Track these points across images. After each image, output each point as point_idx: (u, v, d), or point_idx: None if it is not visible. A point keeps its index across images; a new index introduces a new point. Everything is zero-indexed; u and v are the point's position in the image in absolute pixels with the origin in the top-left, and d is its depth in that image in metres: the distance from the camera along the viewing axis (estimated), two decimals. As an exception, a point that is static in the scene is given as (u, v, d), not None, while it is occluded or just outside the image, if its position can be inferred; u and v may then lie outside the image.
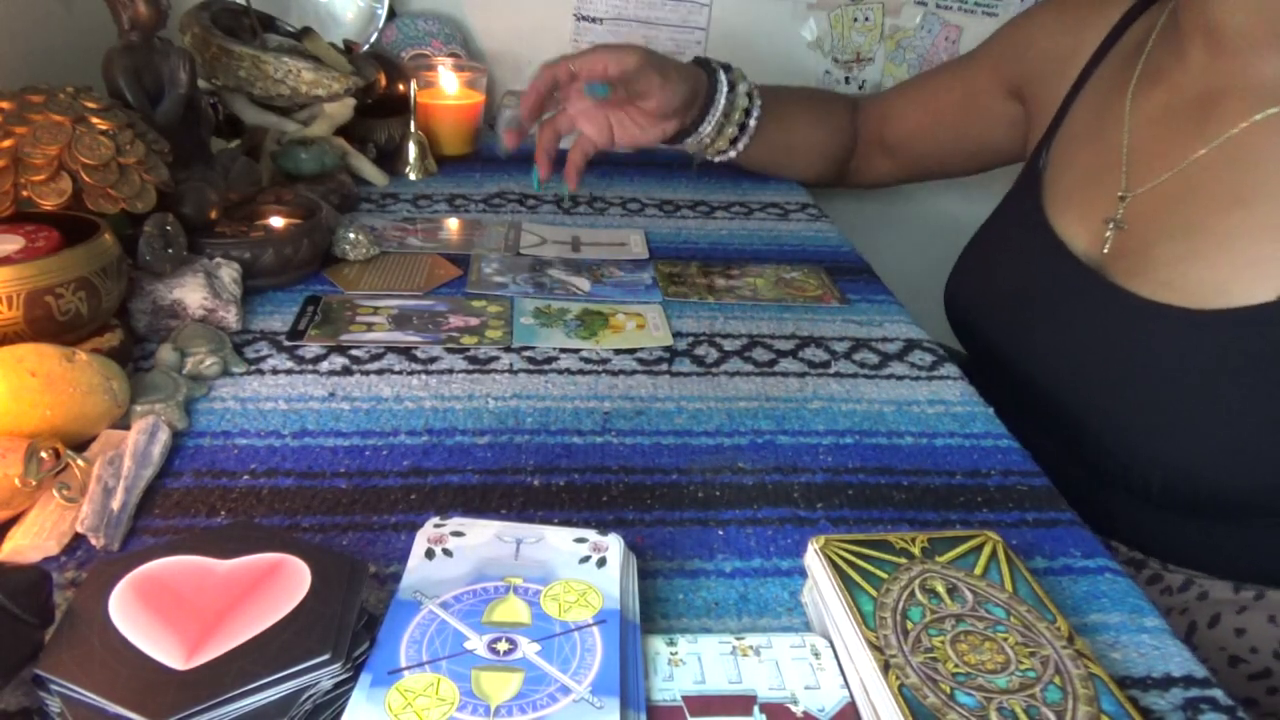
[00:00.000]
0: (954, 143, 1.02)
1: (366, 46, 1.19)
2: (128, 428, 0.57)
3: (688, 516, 0.55)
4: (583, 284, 0.83)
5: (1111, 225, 0.75)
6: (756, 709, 0.41)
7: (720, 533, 0.54)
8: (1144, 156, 0.75)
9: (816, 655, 0.44)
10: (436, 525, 0.48)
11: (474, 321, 0.75)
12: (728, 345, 0.75)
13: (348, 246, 0.83)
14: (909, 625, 0.42)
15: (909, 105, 1.04)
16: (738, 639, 0.45)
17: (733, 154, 0.99)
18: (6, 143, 0.64)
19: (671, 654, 0.44)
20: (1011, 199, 0.89)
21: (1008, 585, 0.45)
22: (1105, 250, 0.75)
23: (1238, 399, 0.66)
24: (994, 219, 0.90)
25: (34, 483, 0.49)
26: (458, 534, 0.48)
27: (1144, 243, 0.72)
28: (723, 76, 0.94)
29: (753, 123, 0.97)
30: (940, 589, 0.45)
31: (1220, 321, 0.66)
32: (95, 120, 0.67)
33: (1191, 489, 0.68)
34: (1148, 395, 0.69)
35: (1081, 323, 0.75)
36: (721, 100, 0.94)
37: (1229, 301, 0.66)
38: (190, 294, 0.70)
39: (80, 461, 0.52)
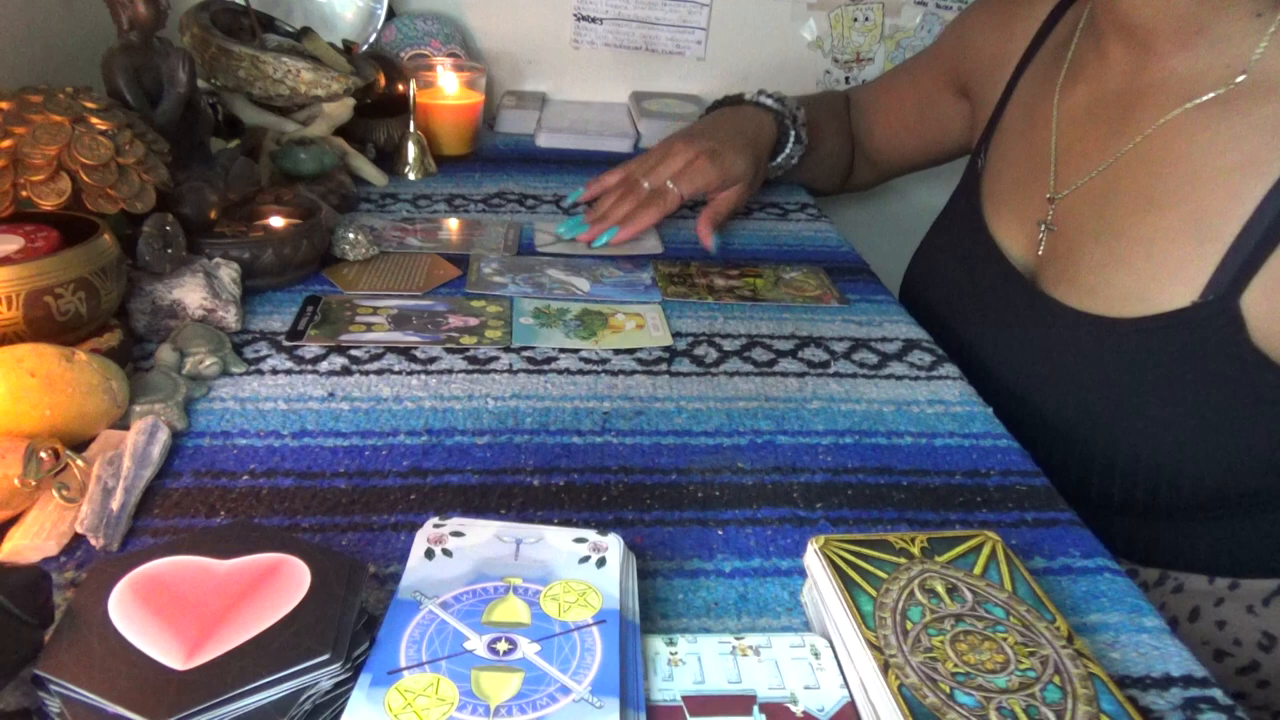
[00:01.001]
0: (916, 144, 1.03)
1: (366, 46, 1.19)
2: (127, 428, 0.57)
3: (687, 516, 0.55)
4: (582, 284, 0.83)
5: (1044, 228, 0.75)
6: (756, 709, 0.41)
7: (720, 533, 0.54)
8: (1071, 156, 0.75)
9: (816, 655, 0.44)
10: (436, 525, 0.48)
11: (473, 321, 0.75)
12: (727, 345, 0.75)
13: (347, 246, 0.83)
14: (908, 625, 0.42)
15: (877, 114, 1.06)
16: (737, 639, 0.45)
17: (773, 175, 1.03)
18: (6, 143, 0.64)
19: (671, 654, 0.44)
20: (954, 200, 0.89)
21: (1007, 585, 0.45)
22: (1039, 253, 0.75)
23: (1166, 404, 0.66)
24: (940, 220, 0.90)
25: (33, 483, 0.49)
26: (457, 534, 0.48)
27: (1071, 247, 0.72)
28: (791, 134, 0.98)
29: (800, 154, 1.00)
30: (940, 589, 0.45)
31: (1140, 330, 0.67)
32: (94, 120, 0.67)
33: (1134, 492, 0.69)
34: (1084, 402, 0.70)
35: (1018, 330, 0.75)
36: (787, 148, 0.99)
37: (1148, 308, 0.66)
38: (190, 294, 0.70)
39: (80, 461, 0.52)
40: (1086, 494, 0.70)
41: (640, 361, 0.72)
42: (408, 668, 0.39)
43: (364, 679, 0.39)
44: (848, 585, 0.44)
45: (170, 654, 0.37)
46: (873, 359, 0.74)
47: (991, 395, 0.71)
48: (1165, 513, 0.70)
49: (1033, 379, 0.73)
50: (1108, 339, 0.68)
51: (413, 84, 1.04)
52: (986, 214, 0.81)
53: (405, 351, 0.71)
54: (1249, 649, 0.71)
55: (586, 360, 0.71)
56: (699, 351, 0.74)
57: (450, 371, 0.68)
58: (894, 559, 0.46)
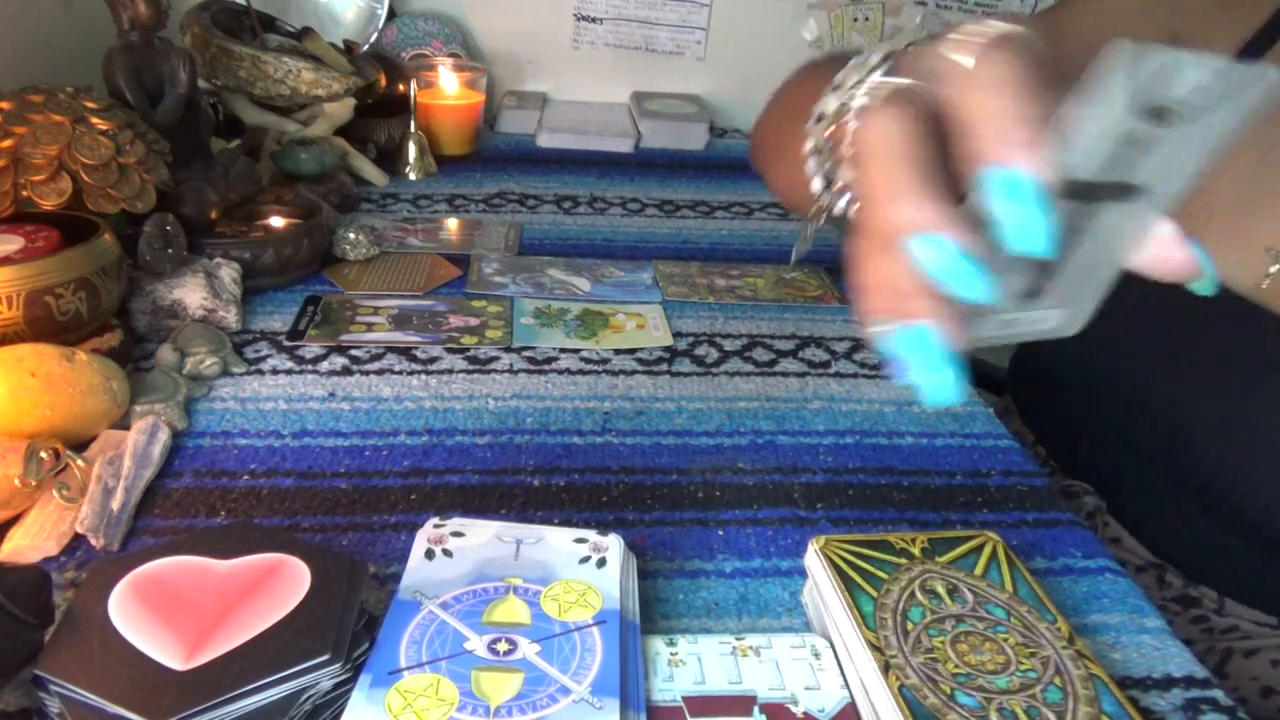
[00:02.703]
0: None
1: (366, 46, 1.19)
2: (128, 428, 0.57)
3: (688, 517, 0.55)
4: (583, 284, 0.83)
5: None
6: (756, 709, 0.41)
7: (720, 533, 0.54)
8: None
9: (816, 656, 0.44)
10: (436, 525, 0.48)
11: (474, 321, 0.75)
12: (728, 345, 0.75)
13: (348, 246, 0.83)
14: (909, 626, 0.42)
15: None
16: (738, 639, 0.45)
17: None
18: (6, 143, 0.64)
19: (671, 654, 0.44)
20: None
21: (1008, 586, 0.45)
22: (1265, 285, 0.64)
23: None
24: None
25: (34, 483, 0.49)
26: (458, 534, 0.48)
27: None
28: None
29: None
30: (940, 589, 0.45)
31: None
32: (95, 120, 0.67)
33: None
34: None
35: (1230, 360, 0.65)
36: None
37: None
38: (190, 294, 0.70)
39: (80, 461, 0.52)
40: (1263, 532, 0.64)
41: (641, 361, 0.72)
42: (408, 668, 0.39)
43: (364, 679, 0.39)
44: (848, 586, 0.44)
45: (170, 654, 0.37)
46: (873, 359, 0.74)
47: (1162, 421, 0.65)
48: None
49: (1238, 411, 0.64)
50: None
51: (413, 84, 1.04)
52: None
53: (406, 351, 0.71)
54: None
55: (587, 360, 0.71)
56: (700, 351, 0.74)
57: (451, 371, 0.68)
58: (894, 559, 0.46)
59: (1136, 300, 0.68)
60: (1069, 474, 0.62)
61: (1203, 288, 0.33)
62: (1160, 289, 0.66)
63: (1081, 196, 0.29)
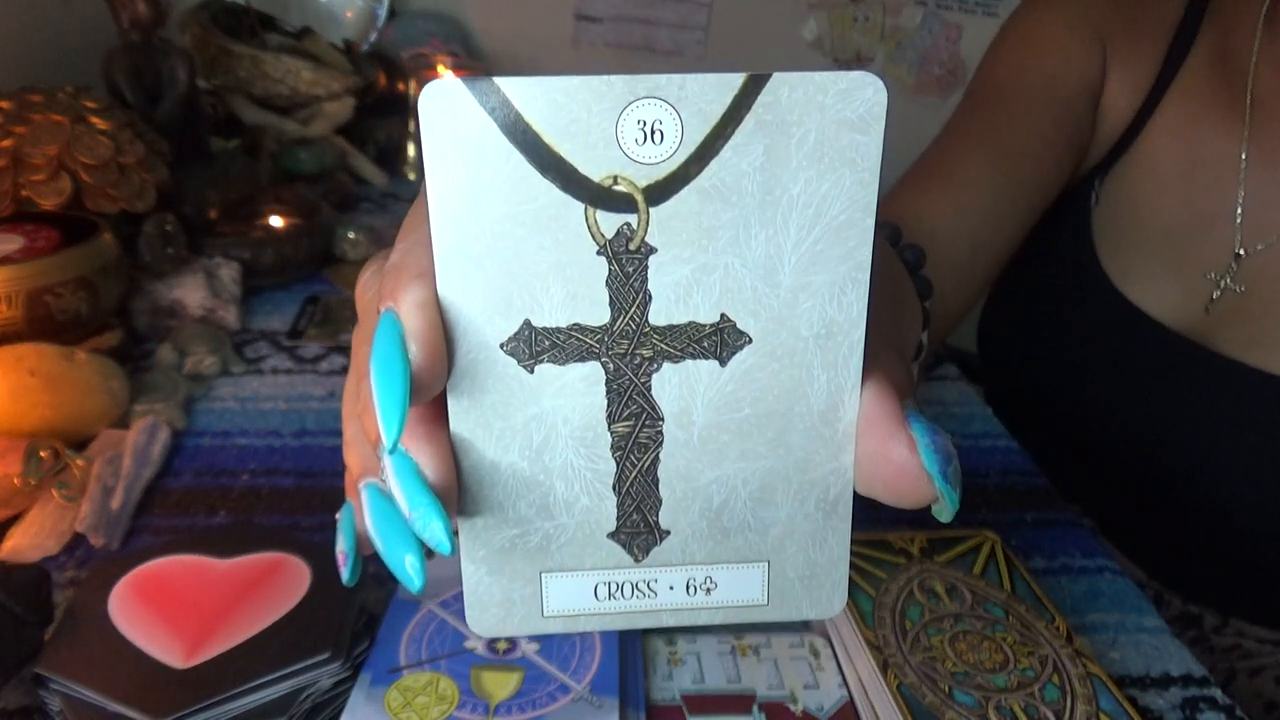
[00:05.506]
0: (1021, 217, 0.63)
1: (366, 46, 1.19)
2: (127, 427, 0.57)
3: (687, 516, 0.55)
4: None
5: (1221, 287, 0.63)
6: (755, 708, 0.41)
7: (719, 532, 0.54)
8: (1266, 206, 0.62)
9: (815, 654, 0.44)
10: (436, 524, 0.48)
11: (473, 321, 0.75)
12: (727, 345, 0.75)
13: (347, 246, 0.83)
14: (908, 625, 0.43)
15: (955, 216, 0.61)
16: (737, 638, 0.45)
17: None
18: (6, 143, 0.64)
19: (671, 653, 0.44)
20: (1052, 238, 0.69)
21: (1006, 585, 0.46)
22: (1208, 313, 0.63)
23: None
24: (1031, 257, 0.70)
25: (33, 482, 0.49)
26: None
27: (1269, 308, 0.61)
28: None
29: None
30: (939, 588, 0.45)
31: None
32: (95, 120, 0.67)
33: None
34: (1269, 469, 0.61)
35: (1175, 394, 0.64)
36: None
37: None
38: (190, 294, 0.70)
39: (80, 461, 0.52)
40: (1240, 555, 0.64)
41: (640, 361, 0.72)
42: (407, 666, 0.40)
43: (364, 678, 0.39)
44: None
45: (170, 652, 0.37)
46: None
47: (1118, 446, 0.64)
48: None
49: (1193, 441, 0.64)
50: None
51: (413, 83, 1.04)
52: (1106, 263, 0.66)
53: (405, 351, 0.70)
54: None
55: (586, 360, 0.71)
56: (699, 351, 0.74)
57: (450, 371, 0.68)
58: (893, 559, 0.46)
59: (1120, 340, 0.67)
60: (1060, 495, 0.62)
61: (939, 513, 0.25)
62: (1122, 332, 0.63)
63: None
